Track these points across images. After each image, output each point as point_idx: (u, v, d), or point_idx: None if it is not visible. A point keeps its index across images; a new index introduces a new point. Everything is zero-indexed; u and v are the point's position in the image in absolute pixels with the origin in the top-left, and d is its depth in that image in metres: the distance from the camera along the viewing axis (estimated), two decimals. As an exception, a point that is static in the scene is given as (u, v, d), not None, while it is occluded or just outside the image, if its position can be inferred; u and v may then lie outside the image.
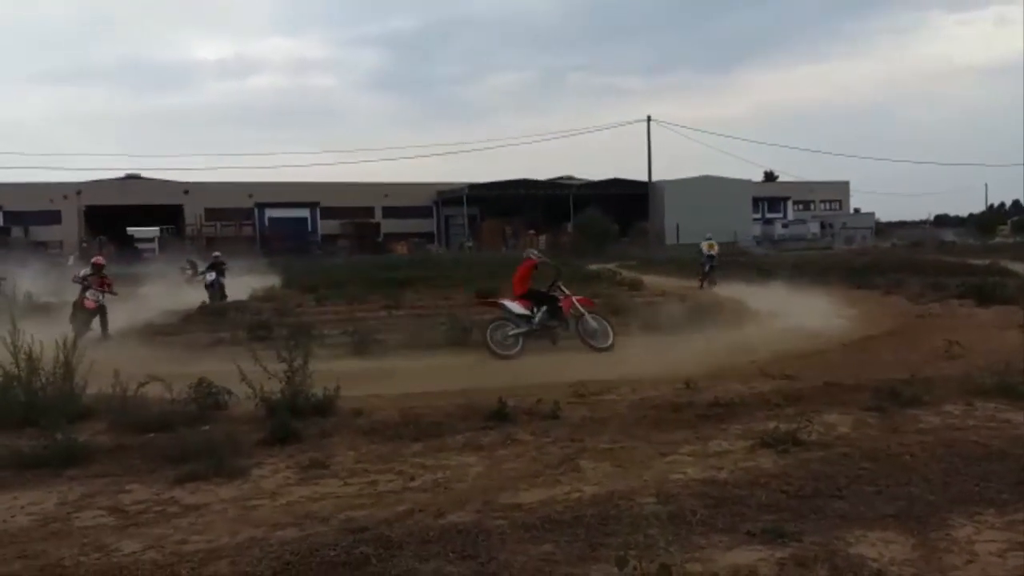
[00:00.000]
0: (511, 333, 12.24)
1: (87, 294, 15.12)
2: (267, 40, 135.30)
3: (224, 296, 21.05)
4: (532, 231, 60.93)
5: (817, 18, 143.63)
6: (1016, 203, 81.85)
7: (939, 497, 4.92)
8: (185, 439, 6.40)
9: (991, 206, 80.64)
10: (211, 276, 21.40)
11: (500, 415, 7.24)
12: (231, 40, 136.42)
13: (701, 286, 24.26)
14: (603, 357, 11.60)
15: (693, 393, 8.09)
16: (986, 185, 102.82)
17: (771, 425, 6.45)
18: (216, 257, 22.42)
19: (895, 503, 4.82)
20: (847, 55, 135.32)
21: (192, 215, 60.06)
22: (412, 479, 5.66)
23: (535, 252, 13.82)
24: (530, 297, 12.56)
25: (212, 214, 60.60)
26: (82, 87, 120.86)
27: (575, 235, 55.56)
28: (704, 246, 25.80)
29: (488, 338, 12.11)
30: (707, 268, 25.16)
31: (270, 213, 62.72)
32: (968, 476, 5.28)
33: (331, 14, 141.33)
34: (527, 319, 12.33)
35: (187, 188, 60.81)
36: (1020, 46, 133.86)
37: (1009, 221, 72.29)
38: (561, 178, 68.71)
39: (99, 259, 16.43)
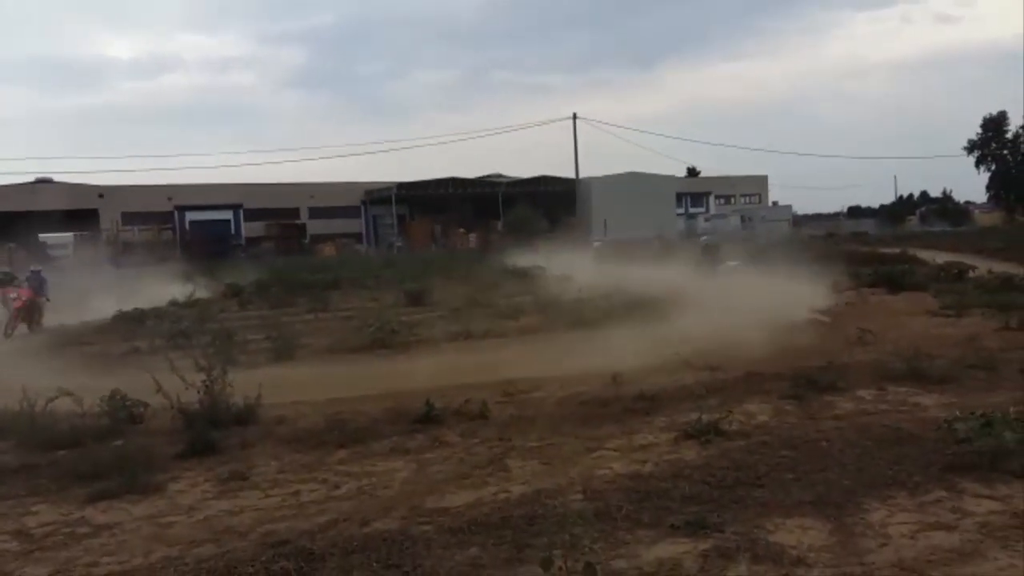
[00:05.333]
0: None
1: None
2: (182, 37, 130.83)
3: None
4: (462, 229, 60.77)
5: (735, 17, 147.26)
6: (924, 194, 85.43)
7: (854, 482, 5.08)
8: (96, 455, 6.16)
9: (900, 197, 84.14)
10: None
11: (428, 417, 7.18)
12: (145, 38, 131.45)
13: None
14: (530, 353, 11.57)
15: (620, 387, 8.16)
16: (895, 177, 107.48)
17: (694, 416, 6.56)
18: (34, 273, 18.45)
19: (812, 489, 4.96)
20: (764, 53, 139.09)
21: (108, 220, 57.72)
22: (336, 487, 5.55)
23: None
24: None
25: (129, 218, 58.35)
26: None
27: (505, 232, 55.64)
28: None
29: None
30: None
31: (191, 216, 60.68)
32: (881, 460, 5.48)
33: (249, 11, 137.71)
34: None
35: (102, 192, 58.35)
36: (925, 43, 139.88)
37: (917, 211, 75.57)
38: (490, 176, 68.64)
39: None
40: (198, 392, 7.34)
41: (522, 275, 24.32)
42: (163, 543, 4.62)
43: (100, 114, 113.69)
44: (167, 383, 7.32)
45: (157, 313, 18.32)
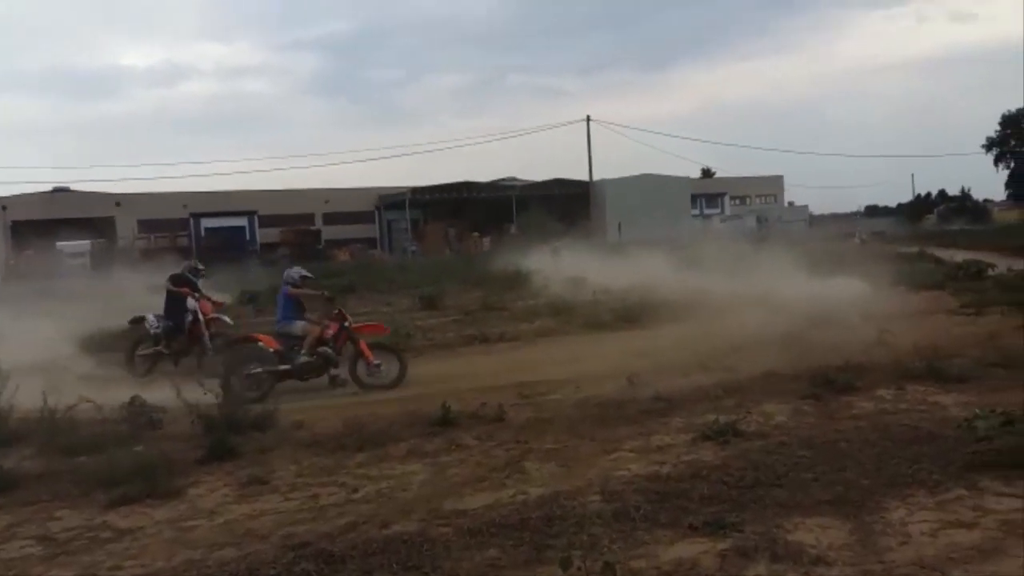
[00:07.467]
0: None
1: None
2: (198, 46, 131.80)
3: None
4: (476, 233, 60.87)
5: (746, 15, 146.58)
6: (942, 192, 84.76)
7: (873, 481, 5.05)
8: (117, 461, 6.18)
9: (918, 196, 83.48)
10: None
11: (444, 420, 7.19)
12: (160, 46, 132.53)
13: None
14: (545, 355, 11.58)
15: (636, 389, 8.15)
16: (912, 175, 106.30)
17: (711, 417, 6.55)
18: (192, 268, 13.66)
19: (831, 489, 4.94)
20: (775, 52, 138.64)
21: (125, 227, 58.26)
22: (355, 491, 5.58)
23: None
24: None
25: (145, 226, 58.87)
26: (4, 98, 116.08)
27: (519, 236, 55.67)
28: None
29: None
30: None
31: (206, 223, 61.15)
32: (900, 459, 5.44)
33: (263, 18, 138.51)
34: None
35: (118, 200, 58.93)
36: (941, 41, 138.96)
37: (935, 210, 74.95)
38: (503, 179, 68.71)
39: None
40: (216, 397, 7.40)
41: (536, 278, 24.32)
42: (185, 547, 4.66)
43: (116, 123, 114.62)
44: (185, 389, 7.38)
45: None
